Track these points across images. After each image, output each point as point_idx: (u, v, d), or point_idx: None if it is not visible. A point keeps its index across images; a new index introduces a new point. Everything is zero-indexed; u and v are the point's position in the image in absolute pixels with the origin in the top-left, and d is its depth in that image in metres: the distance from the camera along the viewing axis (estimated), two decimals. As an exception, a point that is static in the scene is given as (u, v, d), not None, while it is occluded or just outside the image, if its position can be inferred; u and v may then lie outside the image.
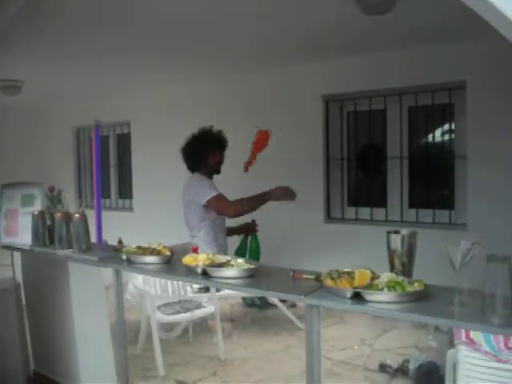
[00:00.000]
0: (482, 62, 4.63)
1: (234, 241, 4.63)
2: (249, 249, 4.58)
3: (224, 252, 4.20)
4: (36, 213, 3.03)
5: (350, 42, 4.82)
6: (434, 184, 5.45)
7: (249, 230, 4.61)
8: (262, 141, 4.51)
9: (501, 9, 1.37)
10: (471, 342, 2.67)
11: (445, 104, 5.15)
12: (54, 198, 3.11)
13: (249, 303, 5.38)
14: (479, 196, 4.77)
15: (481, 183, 4.75)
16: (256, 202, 4.16)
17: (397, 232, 2.00)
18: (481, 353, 2.62)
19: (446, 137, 5.40)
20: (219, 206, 4.16)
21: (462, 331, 2.73)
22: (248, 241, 4.62)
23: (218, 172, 4.43)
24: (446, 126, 5.38)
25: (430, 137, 5.46)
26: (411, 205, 5.44)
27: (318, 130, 5.81)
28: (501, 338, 2.66)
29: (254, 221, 4.57)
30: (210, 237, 4.26)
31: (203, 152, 4.33)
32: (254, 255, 4.47)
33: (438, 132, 5.45)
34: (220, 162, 4.40)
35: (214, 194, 4.15)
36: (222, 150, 4.41)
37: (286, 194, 4.11)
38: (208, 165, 4.35)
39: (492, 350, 2.62)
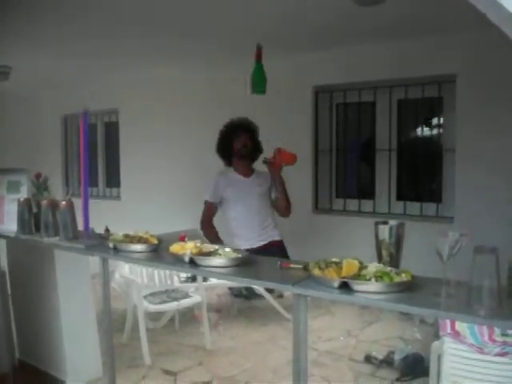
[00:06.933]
0: (473, 55, 4.63)
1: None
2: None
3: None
4: (22, 200, 2.99)
5: (341, 34, 4.80)
6: (422, 177, 5.47)
7: None
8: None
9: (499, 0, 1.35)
10: (456, 334, 2.69)
11: (434, 97, 5.16)
12: (40, 184, 3.08)
13: (236, 293, 5.37)
14: (467, 189, 4.79)
15: (469, 177, 4.77)
16: None
17: (385, 223, 2.01)
18: (465, 345, 2.64)
19: (435, 130, 5.42)
20: None
21: (448, 323, 2.74)
22: None
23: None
24: (435, 120, 5.40)
25: (419, 130, 5.47)
26: (399, 197, 5.47)
27: (307, 120, 5.80)
28: (485, 331, 2.69)
29: None
30: None
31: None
32: None
33: (426, 125, 5.47)
34: None
35: None
36: None
37: None
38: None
39: (476, 342, 2.64)
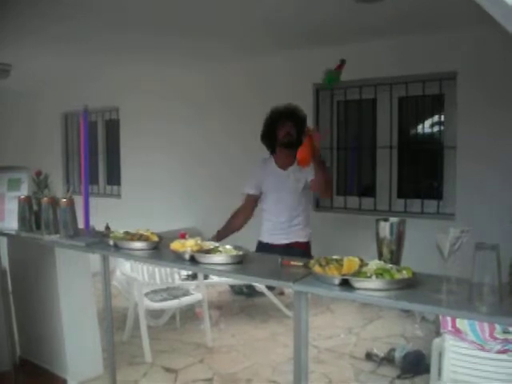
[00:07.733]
0: (474, 52, 4.62)
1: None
2: None
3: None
4: (22, 197, 3.00)
5: (341, 31, 4.79)
6: (423, 174, 5.46)
7: None
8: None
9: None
10: (457, 332, 2.68)
11: (435, 94, 5.15)
12: (40, 182, 3.07)
13: (236, 291, 5.38)
14: (468, 186, 4.78)
15: (469, 174, 4.76)
16: None
17: (386, 220, 2.00)
18: (466, 342, 2.64)
19: (436, 127, 5.41)
20: None
21: (449, 320, 2.74)
22: None
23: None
24: (436, 117, 5.39)
25: (420, 127, 5.46)
26: (400, 194, 5.46)
27: (308, 118, 5.78)
28: (486, 328, 2.68)
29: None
30: None
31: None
32: None
33: (427, 122, 5.46)
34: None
35: None
36: None
37: None
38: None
39: (477, 339, 2.63)
